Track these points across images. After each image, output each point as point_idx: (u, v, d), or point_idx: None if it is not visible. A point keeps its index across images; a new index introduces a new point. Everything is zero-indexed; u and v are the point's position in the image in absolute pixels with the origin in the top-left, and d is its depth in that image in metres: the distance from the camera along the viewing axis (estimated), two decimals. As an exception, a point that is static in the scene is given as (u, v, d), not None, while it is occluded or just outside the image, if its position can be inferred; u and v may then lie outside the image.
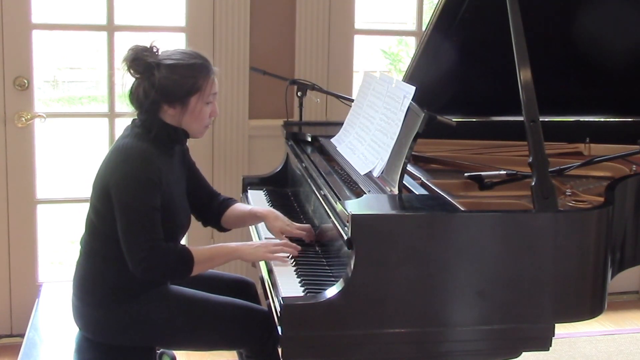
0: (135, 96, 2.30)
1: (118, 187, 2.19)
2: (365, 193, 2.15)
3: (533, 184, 1.99)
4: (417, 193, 2.18)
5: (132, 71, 2.28)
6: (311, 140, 2.94)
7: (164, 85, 2.23)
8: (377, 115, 2.43)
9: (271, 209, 2.60)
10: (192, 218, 2.55)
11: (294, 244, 2.31)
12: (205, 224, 2.64)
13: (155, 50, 2.29)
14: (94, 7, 3.66)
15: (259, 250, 2.27)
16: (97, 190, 2.26)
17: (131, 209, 2.16)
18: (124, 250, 2.18)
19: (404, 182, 2.15)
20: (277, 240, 2.37)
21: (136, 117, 2.33)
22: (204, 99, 2.29)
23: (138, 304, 2.27)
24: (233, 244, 2.33)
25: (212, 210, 2.58)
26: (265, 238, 2.48)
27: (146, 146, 2.24)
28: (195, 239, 3.32)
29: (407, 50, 7.74)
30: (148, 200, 2.17)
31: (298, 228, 2.43)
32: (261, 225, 2.59)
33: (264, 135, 3.61)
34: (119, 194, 2.18)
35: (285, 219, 2.47)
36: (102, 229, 2.27)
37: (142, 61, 2.25)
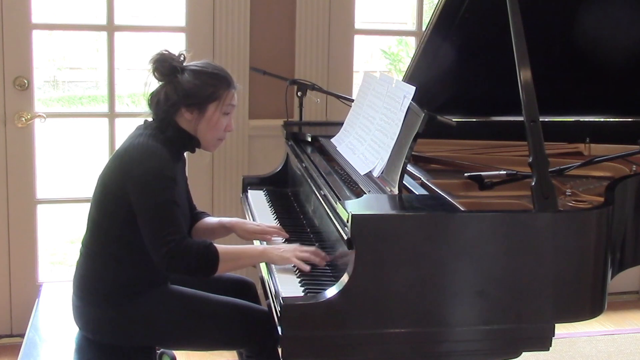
0: (155, 98, 2.32)
1: (139, 183, 2.18)
2: (365, 193, 2.15)
3: (533, 184, 1.99)
4: (417, 193, 2.18)
5: (156, 73, 2.31)
6: (311, 140, 2.94)
7: (185, 88, 2.28)
8: (377, 115, 2.43)
9: (238, 218, 2.61)
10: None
11: (323, 254, 2.22)
12: None
13: (182, 58, 2.34)
14: (94, 7, 3.66)
15: (287, 255, 2.20)
16: (107, 188, 2.26)
17: (154, 203, 2.16)
18: (147, 244, 2.16)
19: (404, 182, 2.14)
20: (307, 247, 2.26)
21: (150, 118, 2.35)
22: (222, 109, 2.32)
23: (138, 304, 2.27)
24: (260, 247, 2.33)
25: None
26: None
27: (162, 148, 2.25)
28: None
29: (407, 50, 7.74)
30: (169, 196, 2.17)
31: (268, 226, 2.48)
32: (258, 218, 2.61)
33: (264, 135, 3.61)
34: (140, 190, 2.18)
35: (253, 222, 2.49)
36: (105, 228, 2.27)
37: (168, 63, 2.30)
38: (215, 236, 2.56)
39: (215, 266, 2.18)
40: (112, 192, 2.24)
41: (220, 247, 2.20)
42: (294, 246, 2.25)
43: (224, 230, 2.56)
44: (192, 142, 2.35)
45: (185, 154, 2.42)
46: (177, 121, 2.31)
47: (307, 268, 2.14)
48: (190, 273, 2.22)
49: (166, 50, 2.33)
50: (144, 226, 2.17)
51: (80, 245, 2.37)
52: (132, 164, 2.22)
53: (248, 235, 2.50)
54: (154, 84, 2.36)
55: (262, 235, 2.47)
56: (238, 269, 2.38)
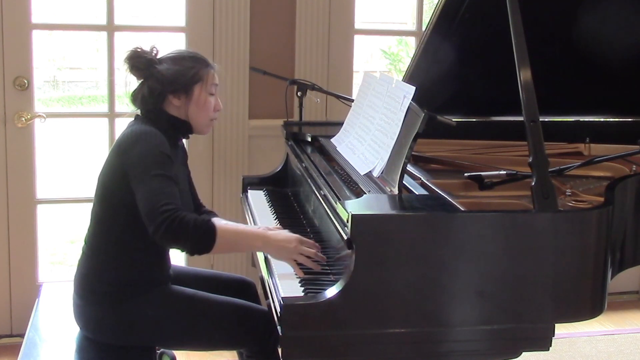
0: (139, 95, 2.33)
1: (135, 162, 2.18)
2: (365, 193, 2.15)
3: (533, 184, 1.99)
4: (417, 193, 2.18)
5: (134, 71, 2.32)
6: (311, 140, 2.94)
7: (167, 76, 2.31)
8: (377, 115, 2.43)
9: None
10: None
11: (321, 256, 2.17)
12: None
13: (155, 51, 2.35)
14: (94, 7, 3.66)
15: (283, 254, 2.15)
16: (107, 181, 2.26)
17: (152, 176, 2.13)
18: (143, 217, 2.10)
19: (404, 182, 2.14)
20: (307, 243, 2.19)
21: (139, 114, 2.36)
22: (207, 89, 2.36)
23: (139, 304, 2.27)
24: (262, 233, 2.20)
25: None
26: None
27: (157, 131, 2.26)
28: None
29: (407, 50, 7.75)
30: (166, 171, 2.16)
31: None
32: (258, 218, 2.59)
33: (264, 135, 3.61)
34: (136, 168, 2.16)
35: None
36: (108, 225, 2.27)
37: (143, 58, 2.32)
38: None
39: (211, 243, 2.11)
40: (113, 184, 2.23)
41: (219, 225, 2.15)
42: (295, 243, 2.16)
43: None
44: (185, 128, 2.37)
45: (185, 148, 2.42)
46: (167, 110, 2.33)
47: (301, 274, 2.12)
48: (185, 247, 2.14)
49: (138, 47, 2.34)
50: (140, 199, 2.12)
51: (82, 244, 2.38)
52: (128, 146, 2.22)
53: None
54: (135, 83, 2.37)
55: None
56: (235, 252, 2.34)
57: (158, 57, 2.35)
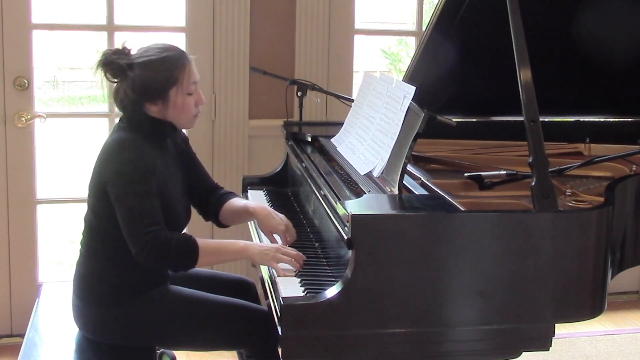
0: (118, 97, 2.29)
1: (113, 179, 2.17)
2: (365, 193, 2.15)
3: (533, 184, 1.99)
4: (417, 193, 2.18)
5: (108, 76, 2.26)
6: (311, 140, 2.94)
7: (139, 84, 2.22)
8: (377, 115, 2.43)
9: (264, 205, 2.49)
10: (194, 212, 2.54)
11: (302, 261, 2.19)
12: (206, 219, 2.61)
13: (126, 51, 2.27)
14: (94, 7, 3.66)
15: (268, 256, 2.18)
16: (94, 188, 2.26)
17: (129, 196, 2.13)
18: (126, 238, 2.14)
19: (404, 182, 2.14)
20: (289, 250, 2.24)
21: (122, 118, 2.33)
22: (184, 90, 2.27)
23: (138, 304, 2.27)
24: (242, 243, 2.27)
25: (210, 205, 2.54)
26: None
27: (136, 138, 2.23)
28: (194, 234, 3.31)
29: (407, 50, 7.74)
30: (145, 187, 2.15)
31: (287, 231, 2.35)
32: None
33: (264, 135, 3.61)
34: (115, 185, 2.16)
35: (278, 217, 2.38)
36: (101, 229, 2.27)
37: (114, 64, 2.24)
38: (239, 220, 2.55)
39: (194, 260, 2.16)
40: (100, 192, 2.22)
41: (200, 240, 2.19)
42: (276, 246, 2.23)
43: (247, 215, 2.49)
44: (169, 127, 2.32)
45: (184, 135, 2.41)
46: (147, 113, 2.27)
47: (283, 274, 2.13)
48: (169, 266, 2.22)
49: (109, 50, 2.27)
50: (121, 219, 2.15)
51: (79, 246, 2.37)
52: (107, 160, 2.21)
53: (268, 229, 2.39)
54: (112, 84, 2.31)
55: (284, 234, 2.36)
56: (219, 264, 2.36)
57: (130, 59, 2.25)
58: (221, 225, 2.58)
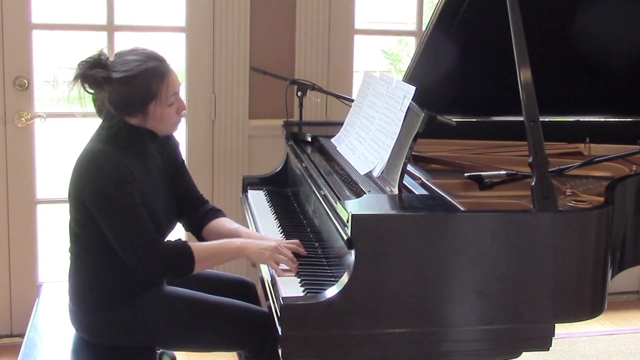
0: (96, 105, 2.25)
1: (93, 196, 2.14)
2: (365, 193, 2.15)
3: (533, 184, 1.99)
4: (417, 193, 2.18)
5: (87, 88, 2.20)
6: (311, 140, 2.94)
7: (117, 100, 2.16)
8: (377, 115, 2.43)
9: (250, 240, 2.29)
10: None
11: (301, 250, 2.21)
12: (186, 229, 2.58)
13: (103, 61, 2.19)
14: (94, 7, 3.66)
15: (265, 254, 2.17)
16: (74, 201, 2.22)
17: (114, 212, 2.12)
18: (119, 253, 2.14)
19: (404, 182, 2.14)
20: (286, 245, 2.22)
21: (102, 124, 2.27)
22: (163, 103, 2.21)
23: (134, 307, 2.26)
24: (238, 241, 2.25)
25: (195, 219, 2.49)
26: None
27: (111, 149, 2.18)
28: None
29: (407, 50, 7.75)
30: (127, 199, 2.13)
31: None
32: (260, 225, 2.59)
33: (264, 135, 3.61)
34: (96, 202, 2.14)
35: (264, 244, 2.21)
36: (87, 239, 2.24)
37: (92, 79, 2.16)
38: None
39: (191, 266, 2.16)
40: (78, 205, 2.19)
41: (195, 246, 2.18)
42: (274, 245, 2.20)
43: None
44: (149, 135, 2.27)
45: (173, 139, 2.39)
46: (126, 121, 2.22)
47: (282, 274, 2.12)
48: (167, 275, 2.23)
49: (85, 61, 2.17)
50: (109, 235, 2.14)
51: (69, 253, 2.34)
52: (84, 176, 2.17)
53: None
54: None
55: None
56: (217, 265, 2.35)
57: (108, 66, 2.16)
58: (202, 240, 2.48)
